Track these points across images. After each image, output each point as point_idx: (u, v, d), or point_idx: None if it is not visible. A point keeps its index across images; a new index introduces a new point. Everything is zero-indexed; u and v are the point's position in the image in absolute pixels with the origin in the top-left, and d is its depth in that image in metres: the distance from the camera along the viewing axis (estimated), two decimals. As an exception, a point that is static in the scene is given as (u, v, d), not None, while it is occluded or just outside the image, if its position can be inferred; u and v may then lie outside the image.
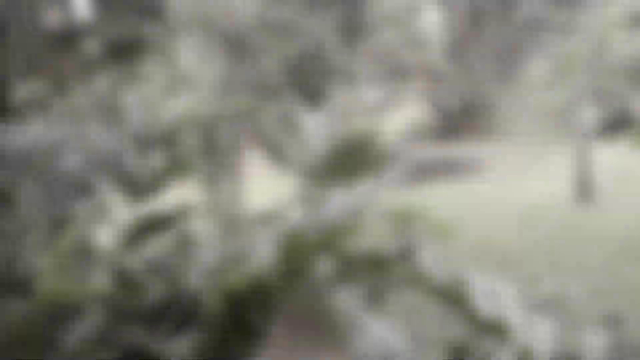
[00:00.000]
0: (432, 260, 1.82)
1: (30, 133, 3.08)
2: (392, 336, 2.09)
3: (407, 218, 2.01)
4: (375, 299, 2.13)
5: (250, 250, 2.28)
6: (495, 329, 1.48)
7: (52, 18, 8.96)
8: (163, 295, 3.18)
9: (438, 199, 11.52)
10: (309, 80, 16.21)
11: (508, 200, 10.02)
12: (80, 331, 2.83)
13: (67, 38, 8.65)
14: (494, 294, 1.77)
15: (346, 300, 2.40)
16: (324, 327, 6.15)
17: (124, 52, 9.19)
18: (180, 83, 14.53)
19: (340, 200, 2.05)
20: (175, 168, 2.52)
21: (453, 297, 1.41)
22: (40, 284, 1.91)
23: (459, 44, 21.80)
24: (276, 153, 6.44)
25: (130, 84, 13.59)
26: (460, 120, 20.72)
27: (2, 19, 4.85)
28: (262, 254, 2.52)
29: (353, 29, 16.19)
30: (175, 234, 3.36)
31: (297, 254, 1.68)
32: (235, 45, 15.62)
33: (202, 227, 3.71)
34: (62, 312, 2.67)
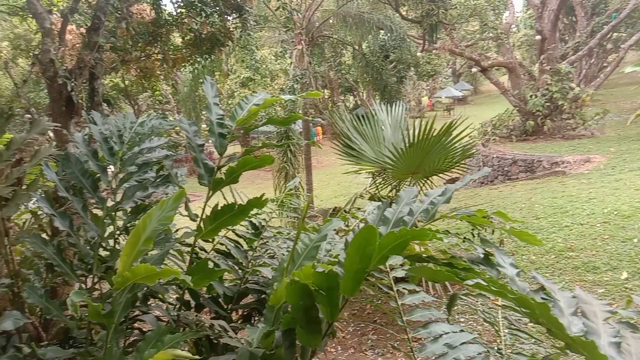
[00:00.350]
0: (514, 267, 1.71)
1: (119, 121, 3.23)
2: (463, 341, 2.00)
3: (488, 221, 1.91)
4: (451, 305, 2.04)
5: (321, 244, 2.26)
6: (582, 346, 1.36)
7: (140, 11, 9.43)
8: (236, 283, 3.26)
9: (518, 199, 11.04)
10: (385, 75, 16.06)
11: (594, 202, 9.41)
12: (157, 314, 2.95)
13: (154, 31, 9.09)
14: (581, 307, 1.64)
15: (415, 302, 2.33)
16: (388, 325, 6.05)
17: (206, 46, 9.54)
18: (259, 76, 14.87)
19: (419, 198, 1.98)
20: (252, 160, 2.54)
21: (535, 309, 1.31)
22: (120, 267, 1.99)
23: (544, 39, 20.76)
24: (350, 145, 6.39)
25: (210, 75, 14.03)
26: (543, 118, 19.78)
27: (96, 15, 5.13)
28: (337, 250, 2.50)
29: (433, 22, 15.85)
30: (250, 224, 3.42)
31: (370, 253, 1.63)
32: (314, 39, 15.75)
33: (272, 218, 3.75)
34: (140, 295, 2.80)
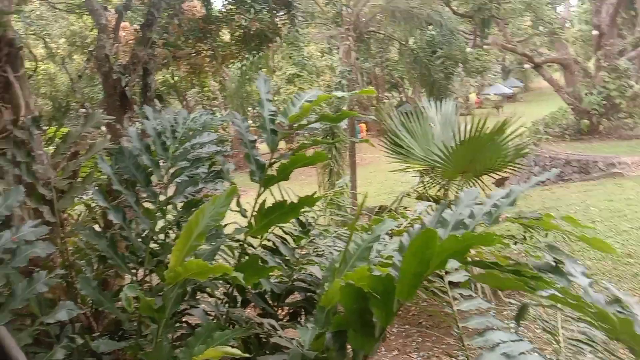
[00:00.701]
0: (586, 277, 1.59)
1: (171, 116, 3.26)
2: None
3: (556, 225, 1.79)
4: (520, 316, 1.93)
5: (375, 246, 2.19)
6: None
7: (191, 8, 9.58)
8: (282, 280, 3.24)
9: (572, 202, 10.62)
10: (433, 71, 15.76)
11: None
12: (205, 309, 2.96)
13: (204, 28, 9.21)
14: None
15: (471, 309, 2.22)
16: (434, 327, 5.91)
17: (255, 42, 9.60)
18: (306, 72, 14.89)
19: (479, 200, 1.88)
20: (304, 157, 2.50)
21: (617, 325, 1.20)
22: (172, 262, 1.98)
23: (602, 34, 19.86)
24: (398, 143, 6.27)
25: (256, 71, 14.15)
26: (599, 117, 18.96)
27: (150, 11, 5.22)
28: (388, 251, 2.42)
29: (485, 17, 15.43)
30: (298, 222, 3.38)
31: (429, 257, 1.55)
32: (361, 35, 15.64)
33: (320, 216, 3.70)
34: (189, 290, 2.80)
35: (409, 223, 3.31)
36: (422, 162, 6.19)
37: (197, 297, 3.16)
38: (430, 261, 1.61)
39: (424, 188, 6.41)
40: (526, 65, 22.32)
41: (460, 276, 2.08)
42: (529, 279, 1.49)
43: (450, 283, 2.31)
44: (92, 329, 3.20)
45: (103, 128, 4.89)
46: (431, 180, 6.43)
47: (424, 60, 15.05)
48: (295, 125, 2.80)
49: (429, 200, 5.74)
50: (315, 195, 2.54)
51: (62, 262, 3.19)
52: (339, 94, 2.87)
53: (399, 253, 1.91)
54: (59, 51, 13.85)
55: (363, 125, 30.16)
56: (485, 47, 20.61)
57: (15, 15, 4.99)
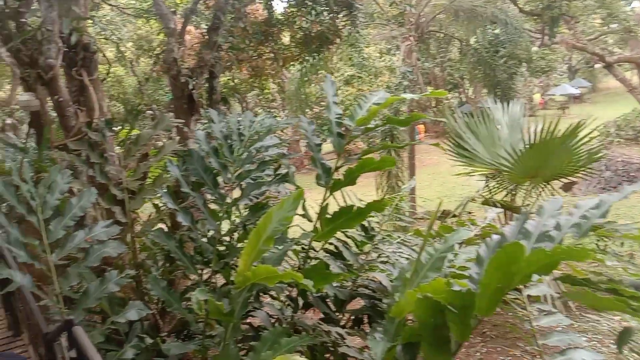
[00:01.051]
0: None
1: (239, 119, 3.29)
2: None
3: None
4: (622, 342, 1.79)
5: (448, 257, 2.09)
6: None
7: (254, 12, 9.72)
8: (343, 284, 3.18)
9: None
10: (496, 71, 15.26)
11: None
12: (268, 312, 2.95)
13: (266, 30, 9.32)
14: None
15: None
16: (498, 338, 5.67)
17: (315, 44, 9.60)
18: (366, 73, 14.76)
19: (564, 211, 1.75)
20: (372, 161, 2.44)
21: None
22: (241, 266, 1.96)
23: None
24: (462, 145, 6.06)
25: (315, 73, 14.15)
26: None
27: (216, 15, 5.30)
28: (460, 260, 2.32)
29: (554, 15, 14.75)
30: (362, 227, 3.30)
31: (514, 272, 1.45)
32: (423, 34, 15.37)
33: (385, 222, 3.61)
34: (254, 294, 2.79)
35: (481, 231, 3.16)
36: (488, 165, 5.95)
37: (261, 300, 3.16)
38: (515, 276, 1.51)
39: (490, 193, 6.16)
40: (597, 65, 21.20)
41: (541, 290, 1.95)
42: (628, 298, 1.36)
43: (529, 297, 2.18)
44: (158, 327, 3.27)
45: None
46: (497, 185, 6.17)
47: (488, 60, 14.58)
48: (363, 128, 2.73)
49: (495, 206, 5.51)
50: (383, 201, 2.45)
51: (131, 261, 3.28)
52: (408, 95, 2.78)
53: (476, 265, 1.81)
54: (127, 54, 14.43)
55: (421, 127, 29.63)
56: (553, 46, 19.74)
57: (89, 21, 5.20)
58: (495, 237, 1.90)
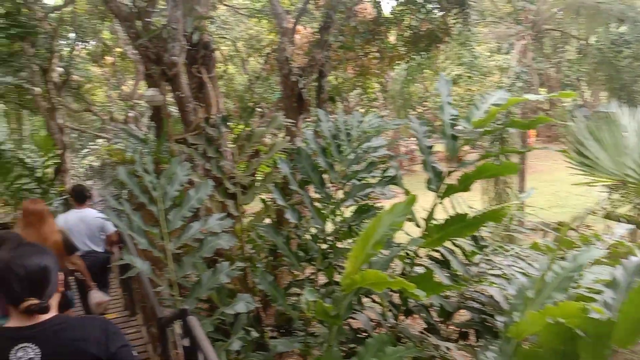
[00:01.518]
0: None
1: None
2: None
3: None
4: None
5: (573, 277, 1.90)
6: None
7: (362, 10, 9.69)
8: (450, 296, 3.04)
9: None
10: (621, 73, 13.94)
11: None
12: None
13: (374, 29, 9.24)
14: None
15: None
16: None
17: (424, 43, 9.37)
18: (477, 72, 14.19)
19: None
20: (492, 167, 2.29)
21: None
22: (349, 269, 1.92)
23: None
24: (582, 152, 5.58)
25: (420, 73, 13.82)
26: None
27: (327, 14, 5.33)
28: (587, 281, 2.11)
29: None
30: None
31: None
32: (539, 33, 14.44)
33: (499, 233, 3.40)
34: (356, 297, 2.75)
35: (609, 249, 2.87)
36: (612, 175, 5.42)
37: (362, 302, 3.11)
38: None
39: (612, 206, 5.63)
40: None
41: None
42: None
43: None
44: (260, 319, 3.34)
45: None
46: (622, 198, 5.61)
47: (612, 60, 13.38)
48: (480, 130, 2.58)
49: (618, 221, 5.02)
50: (502, 211, 2.29)
51: (239, 254, 3.38)
52: (532, 96, 2.58)
53: (612, 290, 1.63)
54: (238, 53, 15.05)
55: (532, 131, 28.00)
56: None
57: (208, 20, 5.45)
58: (634, 259, 1.70)
